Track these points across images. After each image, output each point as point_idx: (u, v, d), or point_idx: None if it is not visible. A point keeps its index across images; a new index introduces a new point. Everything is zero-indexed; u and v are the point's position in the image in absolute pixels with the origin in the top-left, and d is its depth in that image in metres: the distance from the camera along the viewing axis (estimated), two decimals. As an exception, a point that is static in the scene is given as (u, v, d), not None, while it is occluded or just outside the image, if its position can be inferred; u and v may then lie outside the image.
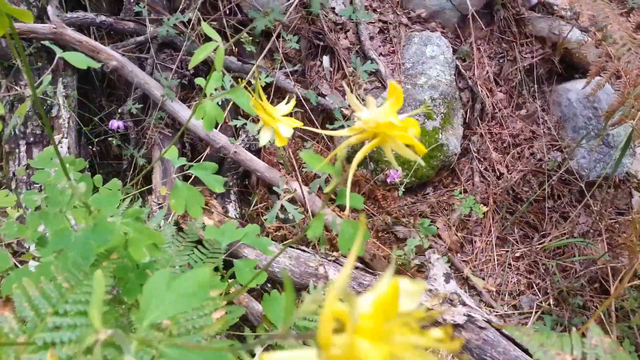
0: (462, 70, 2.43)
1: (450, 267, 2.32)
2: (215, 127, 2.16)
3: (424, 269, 2.02)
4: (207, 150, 2.15)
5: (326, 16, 2.29)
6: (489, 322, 1.31)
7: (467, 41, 2.45)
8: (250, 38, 2.13)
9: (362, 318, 0.28)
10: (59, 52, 0.76)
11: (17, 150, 1.87)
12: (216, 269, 0.94)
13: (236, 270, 0.86)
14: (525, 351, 1.25)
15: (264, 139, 0.74)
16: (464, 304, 1.34)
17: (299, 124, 0.75)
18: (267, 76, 2.29)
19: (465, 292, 2.24)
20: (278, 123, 0.74)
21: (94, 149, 2.01)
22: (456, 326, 1.31)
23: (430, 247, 2.10)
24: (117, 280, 0.90)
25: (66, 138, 1.88)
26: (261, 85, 1.98)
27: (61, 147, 1.86)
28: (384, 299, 0.28)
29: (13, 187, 1.87)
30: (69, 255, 0.60)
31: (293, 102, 0.76)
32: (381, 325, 0.28)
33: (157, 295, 0.43)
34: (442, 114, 2.30)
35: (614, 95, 2.12)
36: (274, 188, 1.90)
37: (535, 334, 0.82)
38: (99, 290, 0.39)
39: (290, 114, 0.75)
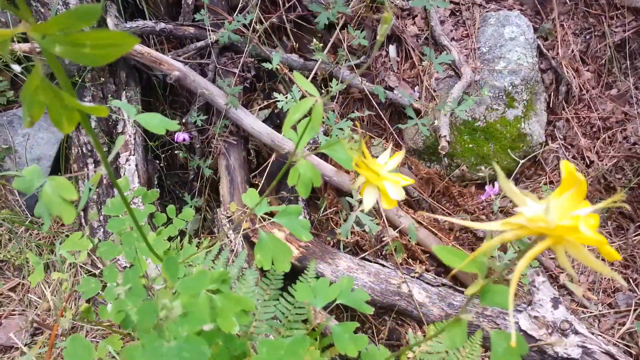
0: (545, 50, 2.20)
1: (538, 266, 2.14)
2: (280, 131, 2.06)
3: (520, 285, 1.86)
4: (273, 157, 2.06)
5: (392, 2, 2.12)
6: (608, 353, 1.16)
7: (549, 18, 2.21)
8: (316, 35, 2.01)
9: None
10: (132, 115, 0.67)
11: (85, 170, 1.86)
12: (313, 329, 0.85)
13: (335, 338, 0.76)
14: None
15: (368, 203, 0.62)
16: (577, 333, 1.19)
17: (410, 181, 0.63)
18: (330, 71, 2.16)
19: (556, 291, 2.07)
20: (385, 181, 0.62)
21: (161, 164, 1.97)
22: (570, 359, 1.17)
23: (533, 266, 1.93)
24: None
25: (133, 155, 1.84)
26: (334, 92, 1.86)
27: (129, 164, 1.82)
28: None
29: (83, 208, 1.86)
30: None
31: (402, 153, 0.64)
32: None
33: None
34: (524, 101, 2.09)
35: None
36: (347, 199, 1.79)
37: None
38: None
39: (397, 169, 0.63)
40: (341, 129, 1.71)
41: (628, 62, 2.23)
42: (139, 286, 0.77)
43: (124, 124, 1.88)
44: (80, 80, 1.83)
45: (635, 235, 2.23)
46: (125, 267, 1.71)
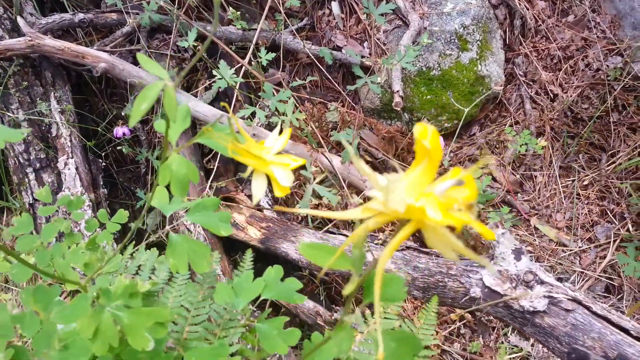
0: (493, -14, 2.09)
1: (511, 211, 2.09)
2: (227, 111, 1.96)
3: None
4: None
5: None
6: (575, 300, 1.11)
7: (494, -51, 2.09)
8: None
9: None
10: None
11: (26, 179, 1.75)
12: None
13: (261, 338, 0.69)
14: (626, 331, 1.04)
15: (257, 193, 0.54)
16: (542, 282, 1.14)
17: (301, 161, 0.54)
18: (272, 39, 2.04)
19: (534, 238, 2.02)
20: (273, 167, 0.53)
21: (104, 162, 1.86)
22: (536, 313, 1.11)
23: (489, 220, 1.87)
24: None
25: (72, 158, 1.73)
26: (264, 61, 1.74)
27: (68, 168, 1.72)
28: None
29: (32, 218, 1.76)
30: None
31: (288, 131, 0.55)
32: None
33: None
34: (477, 42, 1.99)
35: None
36: (302, 172, 1.71)
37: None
38: None
39: (287, 150, 0.55)
40: (282, 101, 1.61)
41: (584, -14, 2.13)
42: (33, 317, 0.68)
43: (57, 126, 1.76)
44: (2, 87, 1.71)
45: (608, 165, 2.17)
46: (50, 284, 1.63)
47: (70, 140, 1.76)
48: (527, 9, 2.12)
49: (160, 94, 0.52)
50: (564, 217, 2.12)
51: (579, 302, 1.09)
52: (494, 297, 1.17)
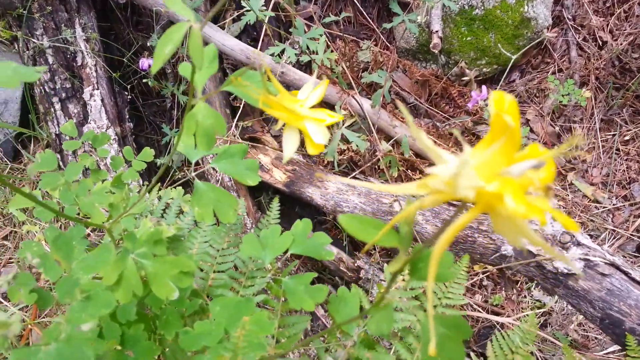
0: None
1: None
2: (257, 44, 1.88)
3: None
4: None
5: None
6: (613, 264, 1.06)
7: None
8: None
9: None
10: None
11: (52, 109, 1.73)
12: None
13: (287, 293, 0.67)
14: (665, 301, 1.00)
15: (288, 149, 0.49)
16: (579, 244, 1.09)
17: (338, 117, 0.49)
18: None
19: (567, 192, 1.95)
20: (307, 122, 0.49)
21: (130, 95, 1.82)
22: (570, 275, 1.08)
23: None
24: (153, 316, 0.75)
25: (97, 89, 1.70)
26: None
27: (94, 100, 1.69)
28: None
29: (58, 150, 1.76)
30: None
31: (325, 82, 0.50)
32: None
33: None
34: (526, -19, 1.84)
35: None
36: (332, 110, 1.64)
37: None
38: None
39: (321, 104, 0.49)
40: (313, 39, 1.52)
41: None
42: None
43: (82, 55, 1.72)
44: (26, 12, 1.65)
45: (653, 114, 2.05)
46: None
47: (96, 71, 1.71)
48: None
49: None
50: (600, 173, 2.04)
51: (617, 267, 1.05)
52: (528, 257, 1.14)
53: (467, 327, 0.37)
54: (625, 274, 1.04)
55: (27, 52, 1.72)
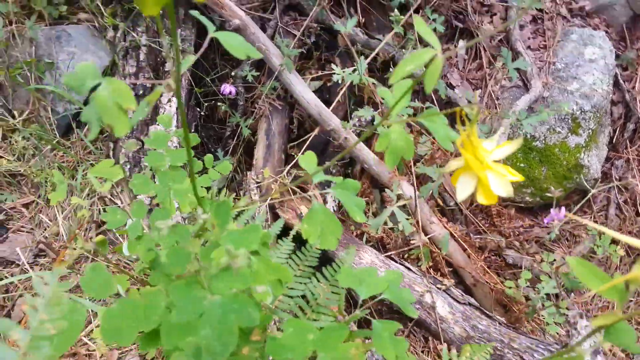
0: (621, 81, 2.05)
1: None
2: (329, 105, 1.96)
3: (540, 319, 1.74)
4: (316, 131, 1.96)
5: (473, -3, 1.99)
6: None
7: (634, 47, 2.06)
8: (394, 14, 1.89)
9: None
10: (211, 30, 0.58)
11: (125, 101, 1.78)
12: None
13: (374, 334, 0.67)
14: None
15: (463, 192, 0.52)
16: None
17: (520, 178, 0.53)
18: (393, 55, 2.04)
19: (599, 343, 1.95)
20: (489, 172, 0.52)
21: (202, 112, 1.88)
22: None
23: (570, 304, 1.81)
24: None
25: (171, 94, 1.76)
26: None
27: (170, 105, 1.74)
28: None
29: (113, 140, 1.79)
30: (203, 335, 0.42)
31: (518, 141, 0.54)
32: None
33: None
34: (589, 130, 1.96)
35: None
36: (386, 191, 1.69)
37: None
38: None
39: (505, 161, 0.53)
40: (402, 115, 1.60)
41: None
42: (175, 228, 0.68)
43: (172, 62, 1.79)
44: (138, 8, 1.75)
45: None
46: (151, 209, 1.63)
47: (182, 81, 1.78)
48: (646, 118, 2.08)
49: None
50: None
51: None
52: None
53: None
54: None
55: (123, 43, 1.80)
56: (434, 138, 2.17)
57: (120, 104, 0.49)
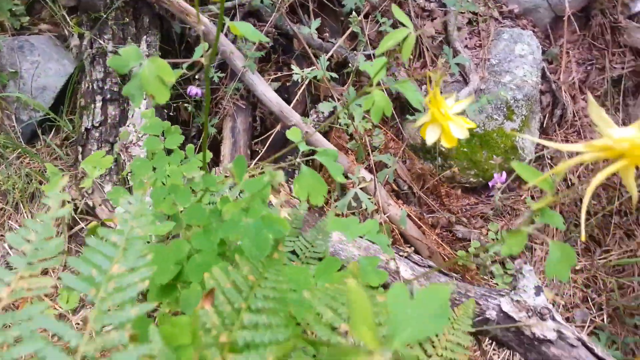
0: (548, 73, 2.32)
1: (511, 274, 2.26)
2: (289, 104, 2.10)
3: (487, 275, 1.96)
4: (278, 127, 2.10)
5: (415, 0, 2.20)
6: (580, 340, 1.25)
7: (557, 43, 2.34)
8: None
9: None
10: (228, 22, 0.71)
11: (92, 106, 1.86)
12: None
13: (361, 269, 0.82)
14: (619, 380, 1.19)
15: (431, 136, 0.68)
16: (554, 319, 1.28)
17: (473, 125, 0.69)
18: (345, 57, 2.22)
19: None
20: (450, 122, 0.68)
21: (169, 113, 1.98)
22: (546, 341, 1.25)
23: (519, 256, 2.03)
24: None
25: (145, 99, 1.85)
26: (329, 72, 1.91)
27: (139, 107, 1.83)
28: None
29: (82, 144, 1.86)
30: (244, 244, 0.56)
31: (470, 99, 0.70)
32: None
33: (402, 314, 0.38)
34: (522, 116, 2.21)
35: None
36: (349, 176, 1.85)
37: None
38: (363, 308, 0.34)
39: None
40: (359, 105, 1.77)
41: (621, 98, 2.38)
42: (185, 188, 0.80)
43: (140, 67, 1.88)
44: (104, 16, 1.83)
45: (600, 258, 2.37)
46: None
47: (148, 83, 1.87)
48: (570, 103, 2.36)
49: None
50: (550, 292, 2.29)
51: (583, 343, 1.24)
52: (509, 322, 1.31)
53: (573, 255, 0.54)
54: (590, 350, 1.23)
55: (90, 50, 1.87)
56: (385, 132, 2.36)
57: (162, 77, 0.61)
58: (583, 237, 0.46)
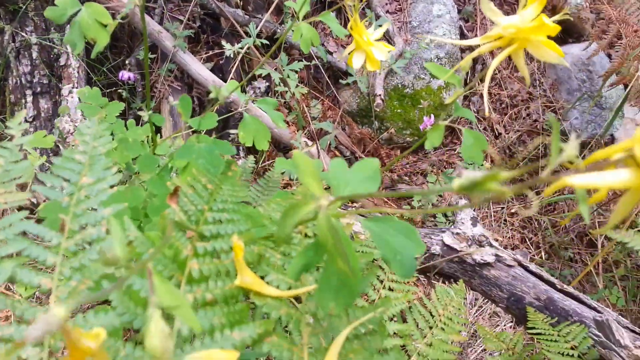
0: (465, 31, 2.47)
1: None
2: (225, 82, 2.13)
3: (431, 220, 2.08)
4: (216, 106, 2.12)
5: (335, -28, 2.27)
6: (516, 260, 1.38)
7: (471, 1, 2.48)
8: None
9: None
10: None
11: (23, 101, 1.81)
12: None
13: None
14: (552, 285, 1.33)
15: (357, 62, 0.75)
16: (491, 245, 1.41)
17: (392, 49, 0.77)
18: (274, 30, 2.26)
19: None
20: (372, 47, 0.75)
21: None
22: (485, 264, 1.37)
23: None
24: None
25: (76, 87, 1.83)
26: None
27: (72, 97, 1.81)
28: None
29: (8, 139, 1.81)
30: (198, 163, 0.61)
31: (386, 25, 0.78)
32: None
33: (342, 178, 0.45)
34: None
35: (611, 60, 2.21)
36: (292, 143, 1.91)
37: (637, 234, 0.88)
38: (306, 163, 0.41)
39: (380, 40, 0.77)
40: (293, 70, 1.83)
41: (533, 49, 2.57)
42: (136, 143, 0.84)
43: (67, 56, 1.85)
44: (24, 8, 1.79)
45: (532, 201, 2.56)
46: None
47: (78, 72, 1.85)
48: (488, 58, 2.52)
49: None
50: (492, 236, 2.46)
51: (519, 262, 1.37)
52: (452, 253, 1.42)
53: (484, 140, 0.62)
54: (525, 267, 1.36)
55: (13, 44, 1.82)
56: (322, 102, 2.43)
57: (100, 20, 0.65)
58: (487, 113, 0.54)
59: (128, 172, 0.84)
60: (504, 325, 2.20)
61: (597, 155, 0.35)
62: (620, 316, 1.16)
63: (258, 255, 0.49)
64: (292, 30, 0.78)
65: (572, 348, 1.05)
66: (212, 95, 0.72)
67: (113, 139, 0.93)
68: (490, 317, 2.23)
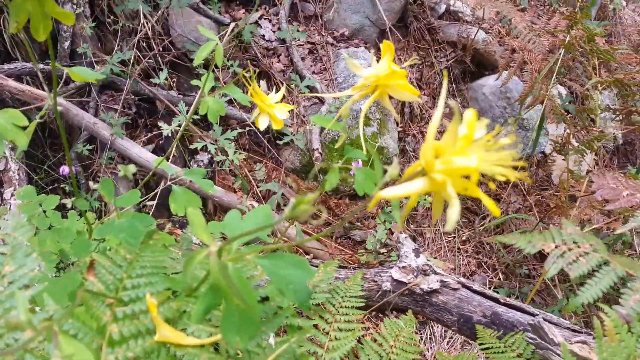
0: (388, 79, 2.64)
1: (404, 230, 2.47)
2: (167, 159, 2.19)
3: (389, 259, 2.15)
4: (162, 185, 2.17)
5: (257, 43, 2.43)
6: (460, 283, 1.45)
7: (388, 52, 2.68)
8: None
9: (449, 144, 0.38)
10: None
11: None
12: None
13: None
14: (496, 300, 1.40)
15: (263, 124, 0.84)
16: (436, 273, 1.48)
17: (292, 108, 0.86)
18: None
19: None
20: (274, 109, 0.84)
21: (47, 196, 1.97)
22: (433, 292, 1.43)
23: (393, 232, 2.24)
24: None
25: (13, 192, 1.85)
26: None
27: (14, 199, 1.82)
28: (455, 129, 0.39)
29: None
30: (119, 237, 0.65)
31: (283, 89, 0.87)
32: (465, 148, 0.39)
33: (236, 226, 0.52)
34: (377, 120, 2.48)
35: (524, 84, 2.41)
36: (239, 207, 1.97)
37: (522, 235, 0.96)
38: (198, 218, 0.47)
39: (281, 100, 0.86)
40: (227, 139, 1.91)
41: (454, 85, 2.77)
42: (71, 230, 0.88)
43: (6, 161, 1.88)
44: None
45: (480, 226, 2.68)
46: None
47: (18, 175, 1.88)
48: (414, 101, 2.69)
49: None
50: (449, 267, 2.54)
51: (463, 284, 1.44)
52: (401, 287, 1.48)
53: (377, 175, 0.70)
54: (469, 288, 1.43)
55: (-52, 156, 1.85)
56: (265, 164, 2.52)
57: (16, 123, 0.71)
58: (365, 151, 0.63)
59: (65, 259, 0.87)
60: (477, 351, 2.24)
61: (408, 171, 0.42)
62: (553, 316, 1.23)
63: (177, 311, 0.54)
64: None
65: (518, 356, 1.11)
66: (120, 174, 0.78)
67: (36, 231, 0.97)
68: (462, 346, 2.27)
